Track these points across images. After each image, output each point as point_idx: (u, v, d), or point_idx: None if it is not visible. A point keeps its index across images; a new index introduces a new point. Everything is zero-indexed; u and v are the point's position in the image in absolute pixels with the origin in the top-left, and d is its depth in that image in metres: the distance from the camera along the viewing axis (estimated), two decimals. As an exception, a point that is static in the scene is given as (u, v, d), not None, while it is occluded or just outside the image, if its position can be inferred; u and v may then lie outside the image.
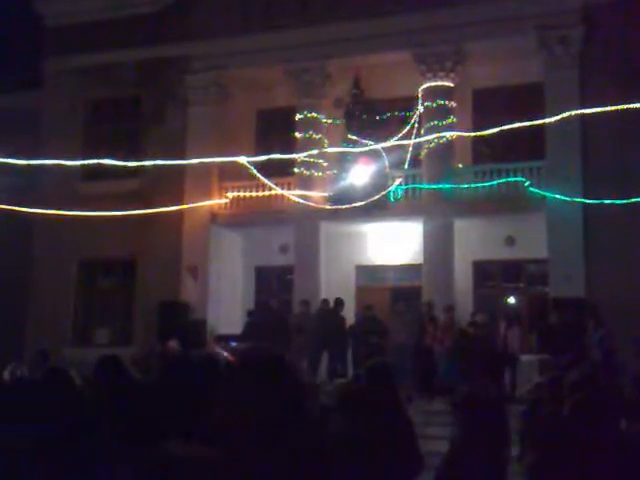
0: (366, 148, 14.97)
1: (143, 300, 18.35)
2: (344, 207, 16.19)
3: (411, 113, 16.71)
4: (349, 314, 16.26)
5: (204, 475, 2.39)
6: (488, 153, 17.51)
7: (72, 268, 19.49)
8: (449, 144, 16.28)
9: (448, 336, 13.98)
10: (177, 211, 17.49)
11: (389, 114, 17.06)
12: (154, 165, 14.82)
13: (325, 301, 15.65)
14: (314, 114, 17.39)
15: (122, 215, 16.05)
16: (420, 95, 16.79)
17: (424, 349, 14.14)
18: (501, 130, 12.25)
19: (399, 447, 4.18)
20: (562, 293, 15.03)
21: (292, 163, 16.95)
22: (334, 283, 17.45)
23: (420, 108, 16.64)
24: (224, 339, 16.84)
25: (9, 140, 16.60)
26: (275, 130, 19.26)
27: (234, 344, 16.37)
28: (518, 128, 12.35)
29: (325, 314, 15.33)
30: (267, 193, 17.68)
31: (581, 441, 3.69)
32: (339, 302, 15.46)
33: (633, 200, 13.79)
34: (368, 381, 4.52)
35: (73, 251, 19.01)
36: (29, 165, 12.29)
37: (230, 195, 18.30)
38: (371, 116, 16.78)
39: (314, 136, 17.11)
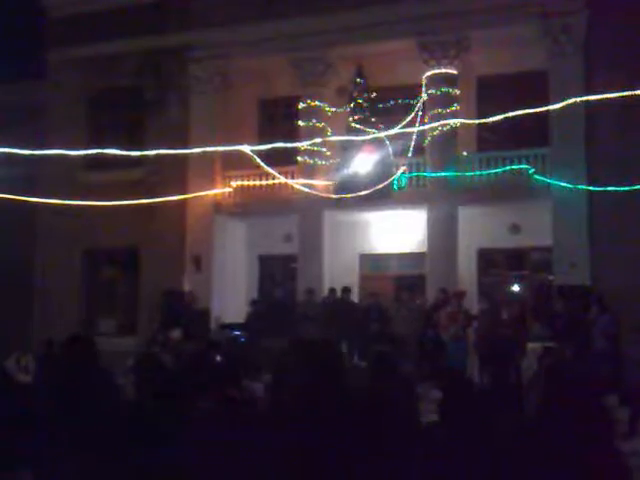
0: (370, 136, 14.91)
1: (147, 290, 18.37)
2: (348, 196, 16.16)
3: (415, 101, 16.62)
4: (353, 303, 16.25)
5: None
6: (492, 141, 17.42)
7: (76, 258, 19.52)
8: (453, 132, 16.22)
9: (455, 323, 13.90)
10: (180, 200, 17.49)
11: (392, 102, 16.95)
12: (157, 154, 14.79)
13: (332, 290, 15.64)
14: (317, 103, 17.34)
15: (125, 205, 16.03)
16: (424, 83, 16.71)
17: (434, 336, 14.12)
18: (505, 117, 12.18)
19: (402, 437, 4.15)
20: (567, 280, 15.00)
21: (295, 152, 16.92)
22: (338, 272, 17.45)
23: (424, 96, 16.55)
24: (228, 328, 16.87)
25: (13, 130, 16.57)
26: (278, 119, 19.22)
27: (238, 333, 16.40)
28: (522, 115, 12.27)
29: (331, 302, 15.30)
30: (271, 182, 17.66)
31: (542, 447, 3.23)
32: (346, 290, 15.45)
33: (638, 187, 13.74)
34: (372, 369, 4.49)
35: (77, 241, 19.04)
36: (32, 155, 12.26)
37: (233, 184, 18.28)
38: (374, 104, 16.71)
39: (317, 125, 17.07)
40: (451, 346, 13.69)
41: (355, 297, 16.81)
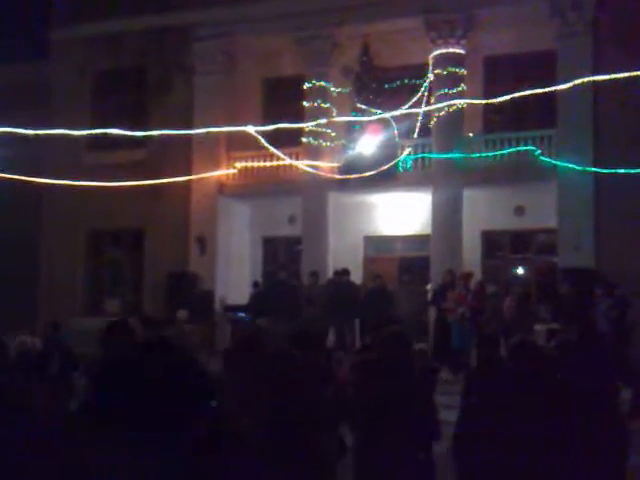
0: (375, 117, 14.82)
1: (152, 271, 18.39)
2: (353, 177, 16.09)
3: (421, 81, 16.51)
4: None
5: None
6: (499, 122, 17.31)
7: (81, 238, 19.53)
8: (459, 112, 16.09)
9: (461, 305, 13.85)
10: (185, 182, 17.44)
11: (399, 82, 16.84)
12: (161, 135, 14.71)
13: (337, 272, 15.64)
14: (322, 83, 17.19)
15: (130, 186, 15.98)
16: (430, 63, 16.57)
17: (441, 317, 14.12)
18: (512, 98, 12.10)
19: (415, 414, 4.17)
20: (571, 263, 14.97)
21: (300, 133, 16.81)
22: (342, 254, 17.42)
23: (430, 76, 16.43)
24: (232, 309, 16.89)
25: (17, 111, 16.51)
26: (283, 99, 19.02)
27: (241, 314, 16.43)
28: (529, 96, 12.20)
29: (335, 285, 15.29)
30: (275, 163, 17.58)
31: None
32: (345, 272, 15.45)
33: (645, 169, 13.66)
34: (385, 349, 4.48)
35: (81, 222, 19.04)
36: (37, 135, 12.22)
37: (238, 165, 18.21)
38: (380, 84, 16.59)
39: (322, 105, 16.92)
40: (456, 327, 13.69)
41: (359, 279, 16.79)
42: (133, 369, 3.73)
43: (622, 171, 14.31)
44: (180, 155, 17.94)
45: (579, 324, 12.24)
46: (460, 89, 16.20)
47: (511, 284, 15.58)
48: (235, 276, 18.35)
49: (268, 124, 13.99)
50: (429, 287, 15.79)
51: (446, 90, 16.01)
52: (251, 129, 13.12)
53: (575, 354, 4.38)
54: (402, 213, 17.88)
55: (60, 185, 15.89)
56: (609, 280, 13.23)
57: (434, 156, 16.45)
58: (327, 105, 16.96)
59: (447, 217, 16.30)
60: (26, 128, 11.47)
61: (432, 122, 16.39)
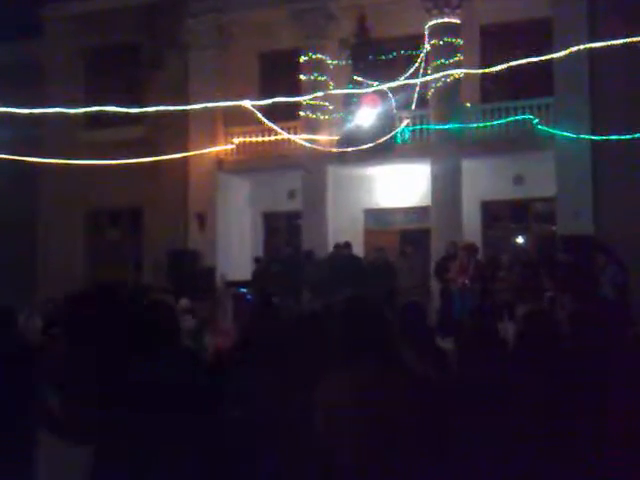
0: (372, 89, 14.74)
1: (151, 249, 18.39)
2: (351, 150, 16.04)
3: (418, 52, 16.40)
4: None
5: None
6: (496, 91, 17.24)
7: (79, 218, 19.50)
8: (456, 83, 16.02)
9: (463, 275, 13.87)
10: (183, 158, 17.37)
11: (395, 53, 16.72)
12: (157, 112, 14.61)
13: (338, 246, 15.63)
14: (319, 55, 17.07)
15: (127, 163, 15.92)
16: (426, 33, 16.45)
17: (445, 289, 14.17)
18: (509, 67, 12.02)
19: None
20: (571, 231, 15.00)
21: (298, 107, 16.72)
22: (342, 227, 17.44)
23: (427, 46, 16.32)
24: (234, 285, 16.93)
25: (11, 90, 16.40)
26: (279, 73, 18.88)
27: (243, 290, 16.46)
28: (526, 65, 12.11)
29: (337, 258, 15.28)
30: (273, 138, 17.50)
31: None
32: (347, 245, 15.44)
33: (643, 135, 13.63)
34: (403, 320, 4.50)
35: (79, 201, 18.99)
36: (31, 115, 12.14)
37: (236, 141, 18.14)
38: (377, 56, 16.48)
39: (319, 78, 16.83)
40: (458, 296, 13.72)
41: (360, 252, 16.81)
42: None
43: (619, 137, 14.28)
44: (177, 132, 17.86)
45: (579, 291, 12.30)
46: (457, 59, 16.10)
47: (517, 253, 15.59)
48: (236, 252, 18.37)
49: (265, 98, 13.89)
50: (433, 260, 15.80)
51: (443, 60, 15.92)
52: (248, 104, 13.02)
53: (591, 322, 4.38)
54: (401, 185, 17.88)
55: (57, 164, 15.83)
56: (608, 246, 13.24)
57: (432, 127, 16.40)
58: (324, 78, 16.87)
59: (446, 188, 16.29)
60: (21, 108, 11.39)
61: (429, 93, 16.32)
